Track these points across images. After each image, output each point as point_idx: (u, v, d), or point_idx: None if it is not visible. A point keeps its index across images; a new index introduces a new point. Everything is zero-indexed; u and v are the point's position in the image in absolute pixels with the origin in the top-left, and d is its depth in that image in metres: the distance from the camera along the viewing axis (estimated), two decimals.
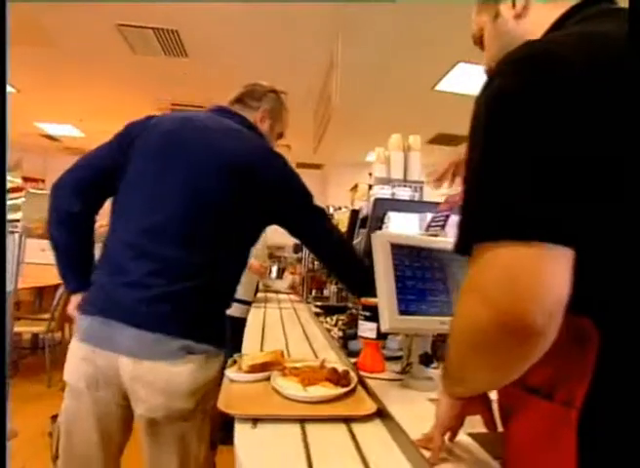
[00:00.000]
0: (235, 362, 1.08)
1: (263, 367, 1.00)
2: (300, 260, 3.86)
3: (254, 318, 2.03)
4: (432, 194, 2.15)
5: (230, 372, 1.00)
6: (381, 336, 1.17)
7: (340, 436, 0.73)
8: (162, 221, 1.00)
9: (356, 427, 0.77)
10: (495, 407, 0.64)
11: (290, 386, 0.89)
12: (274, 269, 3.45)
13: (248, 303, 2.53)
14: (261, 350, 1.35)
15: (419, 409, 0.83)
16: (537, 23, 0.62)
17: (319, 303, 2.20)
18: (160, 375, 0.93)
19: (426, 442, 0.65)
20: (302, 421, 0.77)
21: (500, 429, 0.64)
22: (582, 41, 0.48)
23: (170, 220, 1.00)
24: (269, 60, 3.88)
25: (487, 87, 0.50)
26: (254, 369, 1.00)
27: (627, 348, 0.43)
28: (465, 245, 0.48)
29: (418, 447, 0.65)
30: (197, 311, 1.00)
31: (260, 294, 2.96)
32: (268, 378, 0.97)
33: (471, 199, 0.48)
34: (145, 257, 0.98)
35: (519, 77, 0.46)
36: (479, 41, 0.75)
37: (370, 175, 3.20)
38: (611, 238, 0.43)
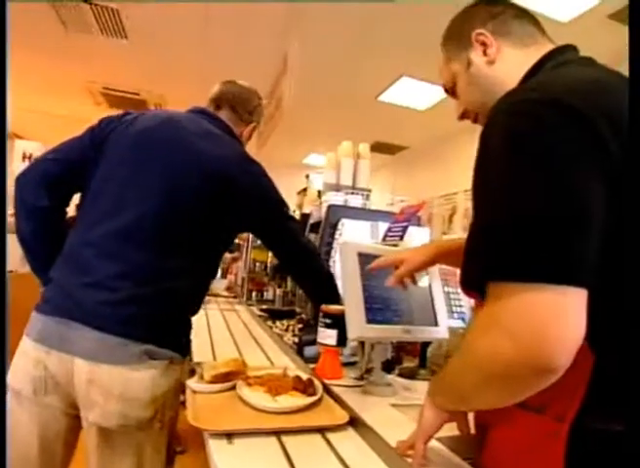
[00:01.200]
0: (193, 371, 1.03)
1: (226, 376, 0.97)
2: (235, 260, 3.77)
3: (197, 321, 1.95)
4: (378, 203, 2.23)
5: (192, 383, 0.95)
6: (342, 343, 1.19)
7: (318, 446, 0.73)
8: (132, 222, 0.94)
9: (331, 436, 0.77)
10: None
11: (258, 397, 0.88)
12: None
13: None
14: (214, 357, 1.30)
15: (386, 416, 0.86)
16: (511, 68, 0.68)
17: (265, 307, 2.17)
18: (118, 380, 0.88)
19: (406, 448, 0.67)
20: (277, 433, 0.76)
21: (472, 432, 0.69)
22: (588, 86, 0.53)
23: (140, 222, 0.95)
24: (215, 54, 3.75)
25: (494, 125, 0.54)
26: (217, 379, 0.96)
27: (617, 368, 0.49)
28: (478, 281, 0.51)
29: (399, 454, 0.67)
30: (163, 315, 0.96)
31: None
32: (232, 388, 0.95)
33: (493, 237, 0.50)
34: (111, 259, 0.93)
35: (535, 117, 0.50)
36: (451, 89, 0.79)
37: (307, 177, 3.22)
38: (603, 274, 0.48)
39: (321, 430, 0.79)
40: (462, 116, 0.80)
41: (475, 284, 0.55)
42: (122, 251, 0.93)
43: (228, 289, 3.43)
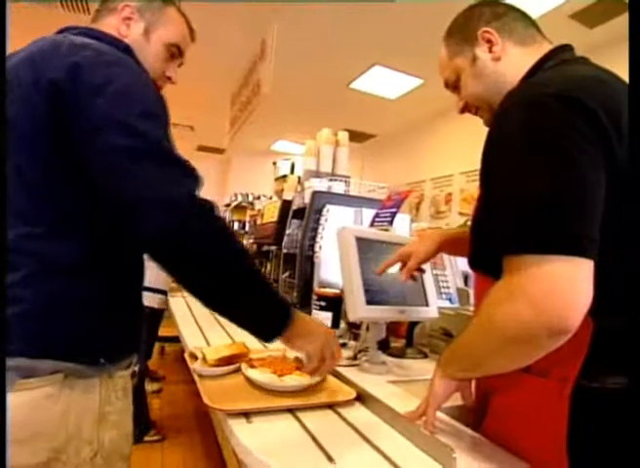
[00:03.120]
0: (195, 356, 1.04)
1: (230, 359, 0.99)
2: None
3: (179, 310, 1.94)
4: (358, 189, 2.27)
5: (198, 366, 0.96)
6: (336, 325, 1.23)
7: (333, 420, 0.77)
8: None
9: (342, 411, 0.81)
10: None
11: (267, 377, 0.90)
12: None
13: (164, 292, 2.36)
14: (207, 343, 1.31)
15: (387, 391, 0.91)
16: (515, 64, 0.74)
17: None
18: None
19: (416, 418, 0.72)
20: (291, 411, 0.79)
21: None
22: (590, 82, 0.59)
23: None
24: None
25: (509, 115, 0.59)
26: (221, 362, 0.98)
27: (614, 334, 0.56)
28: (490, 258, 0.56)
29: (412, 422, 0.72)
30: (43, 313, 0.67)
31: (172, 282, 2.79)
32: (236, 370, 0.97)
33: (512, 215, 0.55)
34: None
35: (551, 110, 0.55)
36: (452, 84, 0.84)
37: (274, 163, 3.21)
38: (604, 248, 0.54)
39: (331, 406, 0.83)
40: (463, 110, 0.84)
41: (487, 261, 0.60)
42: None
43: None
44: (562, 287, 0.50)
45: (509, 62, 0.75)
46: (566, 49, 0.73)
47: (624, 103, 0.59)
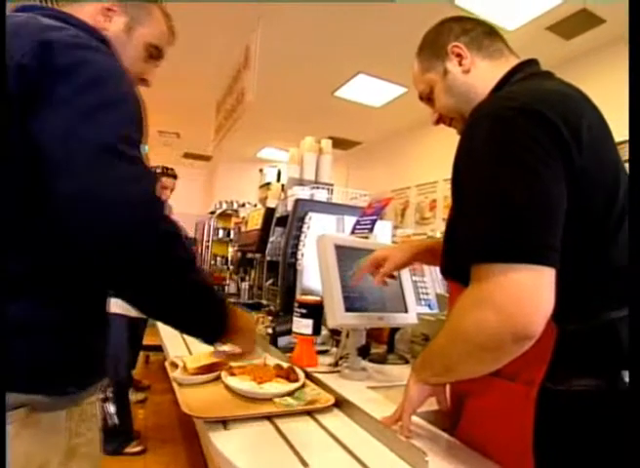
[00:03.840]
0: (176, 365, 1.04)
1: (211, 367, 0.99)
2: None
3: (165, 329, 1.89)
4: (335, 197, 2.29)
5: (177, 375, 0.96)
6: (317, 332, 1.24)
7: (310, 426, 0.78)
8: None
9: (320, 417, 0.82)
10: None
11: (246, 385, 0.91)
12: None
13: None
14: (189, 352, 1.30)
15: (365, 397, 0.92)
16: (484, 77, 0.78)
17: (231, 300, 2.17)
18: None
19: (391, 423, 0.74)
20: (269, 418, 0.80)
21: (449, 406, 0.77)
22: (553, 95, 0.63)
23: None
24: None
25: (477, 127, 0.61)
26: (201, 370, 0.98)
27: (575, 339, 0.58)
28: (460, 266, 0.58)
29: (388, 427, 0.73)
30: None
31: None
32: (216, 379, 0.97)
33: (480, 226, 0.57)
34: None
35: (516, 122, 0.58)
36: (426, 97, 0.87)
37: (260, 171, 3.22)
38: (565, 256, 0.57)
39: (309, 412, 0.84)
40: (438, 121, 0.87)
41: (457, 269, 0.62)
42: None
43: None
44: (527, 294, 0.52)
45: (478, 75, 0.78)
46: (532, 63, 0.77)
47: (585, 116, 0.62)
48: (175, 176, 2.60)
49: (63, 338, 0.63)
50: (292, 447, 0.69)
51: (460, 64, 0.79)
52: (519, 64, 0.76)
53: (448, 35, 0.81)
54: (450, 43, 0.79)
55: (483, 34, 0.80)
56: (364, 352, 1.16)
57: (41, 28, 0.63)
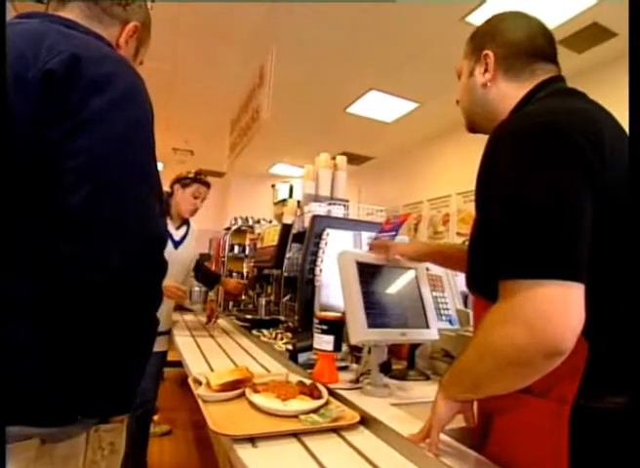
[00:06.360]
0: (199, 382, 1.05)
1: (234, 384, 1.00)
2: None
3: (185, 346, 1.75)
4: (357, 212, 2.31)
5: (202, 392, 0.97)
6: (338, 348, 1.24)
7: (338, 444, 0.78)
8: None
9: (346, 434, 0.82)
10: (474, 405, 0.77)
11: (271, 402, 0.91)
12: (196, 290, 2.36)
13: (166, 333, 2.06)
14: (211, 369, 1.31)
15: (390, 414, 0.92)
16: (503, 96, 0.78)
17: (249, 316, 2.18)
18: None
19: (419, 440, 0.73)
20: (296, 435, 0.80)
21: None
22: (572, 114, 0.63)
23: None
24: (189, 57, 3.73)
25: (503, 144, 0.62)
26: (224, 387, 0.98)
27: (609, 354, 0.58)
28: (487, 281, 0.58)
29: (416, 445, 0.73)
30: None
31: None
32: (241, 395, 0.98)
33: (507, 242, 0.58)
34: None
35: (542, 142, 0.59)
36: (459, 75, 0.88)
37: (273, 186, 3.24)
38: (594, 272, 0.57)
39: (336, 430, 0.84)
40: (458, 102, 0.89)
41: (484, 284, 0.63)
42: None
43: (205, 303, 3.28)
44: (557, 309, 0.52)
45: (498, 92, 0.78)
46: (555, 80, 0.76)
47: (606, 134, 0.62)
48: (208, 185, 2.33)
49: (63, 359, 0.59)
50: (320, 464, 0.69)
51: (483, 75, 0.79)
52: (541, 83, 0.75)
53: (491, 39, 0.79)
54: (486, 49, 0.79)
55: (519, 55, 0.77)
56: (386, 368, 1.16)
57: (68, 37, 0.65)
